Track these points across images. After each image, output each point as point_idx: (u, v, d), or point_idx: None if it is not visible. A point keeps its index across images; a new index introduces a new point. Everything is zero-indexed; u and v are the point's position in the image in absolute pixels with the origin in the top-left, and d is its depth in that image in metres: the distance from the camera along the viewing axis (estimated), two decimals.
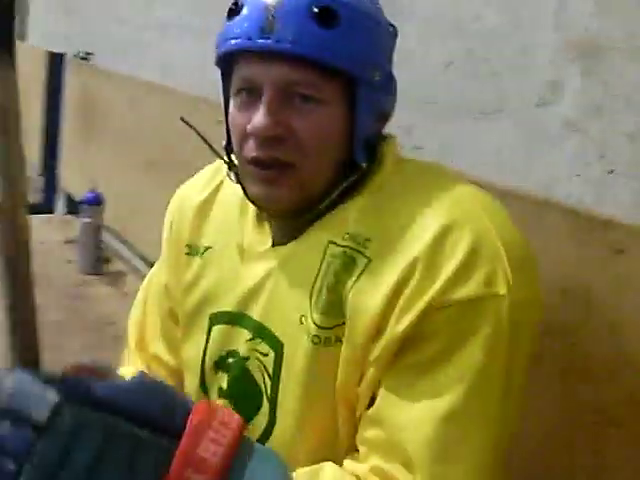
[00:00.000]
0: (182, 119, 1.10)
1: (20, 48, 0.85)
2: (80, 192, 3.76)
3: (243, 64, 0.94)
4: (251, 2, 0.94)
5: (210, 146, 1.05)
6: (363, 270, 0.90)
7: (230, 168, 1.02)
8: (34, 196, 4.46)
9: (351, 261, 0.91)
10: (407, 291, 0.86)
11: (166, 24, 3.17)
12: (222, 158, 1.04)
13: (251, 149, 0.94)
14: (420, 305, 0.86)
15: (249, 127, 0.92)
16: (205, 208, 1.11)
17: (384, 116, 0.99)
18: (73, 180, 4.33)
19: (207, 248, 1.08)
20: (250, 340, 0.99)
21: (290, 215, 0.97)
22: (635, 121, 1.27)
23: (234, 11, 0.95)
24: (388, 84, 0.97)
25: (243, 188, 1.00)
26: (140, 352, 1.20)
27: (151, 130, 3.22)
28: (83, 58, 4.18)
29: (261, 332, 0.98)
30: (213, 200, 1.11)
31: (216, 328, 1.04)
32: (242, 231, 1.05)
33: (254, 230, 1.04)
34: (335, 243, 0.93)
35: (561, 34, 1.40)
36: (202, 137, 1.06)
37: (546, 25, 1.43)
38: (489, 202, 0.93)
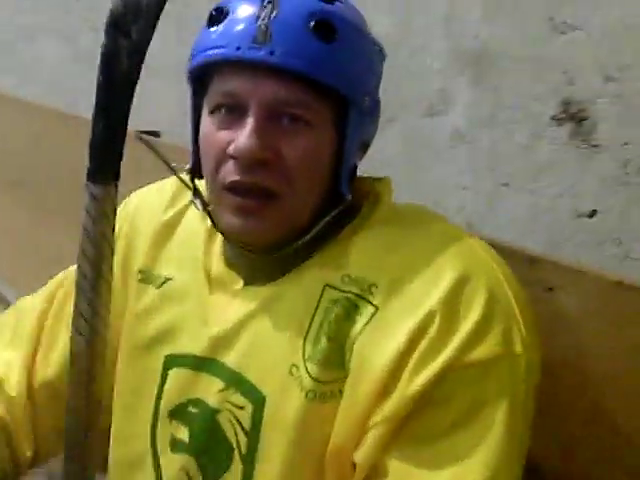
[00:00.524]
0: (140, 138, 0.95)
1: None
2: None
3: (226, 77, 0.83)
4: (239, 8, 0.83)
5: (171, 168, 0.93)
6: (369, 319, 0.81)
7: (196, 195, 0.91)
8: None
9: (354, 308, 0.82)
10: (422, 346, 0.78)
11: (26, 28, 2.96)
12: (186, 184, 0.92)
13: (230, 173, 0.83)
14: (437, 364, 0.78)
15: (232, 149, 0.82)
16: (167, 232, 0.98)
17: (365, 146, 0.91)
18: None
19: (167, 279, 0.95)
20: (222, 390, 0.87)
21: (267, 251, 0.87)
22: (529, 132, 1.24)
23: (216, 18, 0.85)
24: (375, 111, 0.90)
25: (212, 219, 0.90)
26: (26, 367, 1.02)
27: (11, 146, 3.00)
28: None
29: (237, 382, 0.86)
30: (177, 224, 0.98)
31: (174, 372, 0.92)
32: (209, 265, 0.93)
33: (223, 265, 0.92)
34: (333, 287, 0.84)
35: (451, 41, 1.34)
36: (163, 158, 0.93)
37: (436, 32, 1.37)
38: (494, 253, 0.87)
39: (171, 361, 0.92)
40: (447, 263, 0.81)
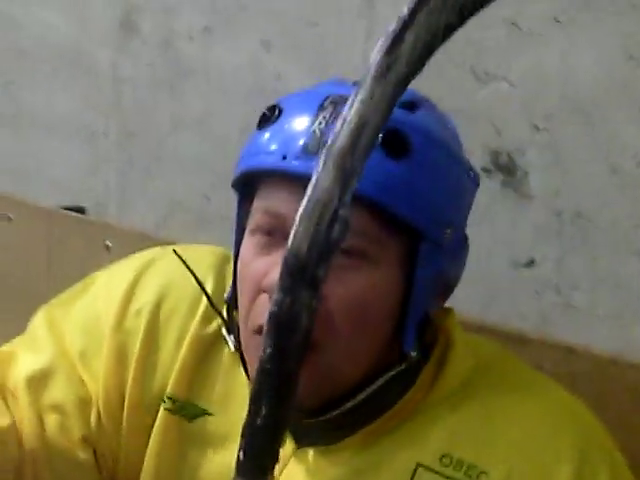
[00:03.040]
0: (174, 251, 0.80)
1: None
2: None
3: (269, 190, 0.69)
4: (294, 108, 0.69)
5: (206, 293, 0.77)
6: None
7: (229, 329, 0.75)
8: None
9: None
10: None
11: None
12: (221, 315, 0.76)
13: (261, 313, 0.66)
14: None
15: (265, 281, 0.67)
16: (207, 350, 0.78)
17: (447, 290, 0.76)
18: None
19: (203, 412, 0.78)
20: None
21: (308, 414, 0.71)
22: None
23: (267, 118, 0.71)
24: (459, 248, 0.75)
25: (244, 363, 0.73)
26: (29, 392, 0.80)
27: None
28: None
29: None
30: (221, 342, 0.77)
31: None
32: None
33: None
34: (430, 469, 0.69)
35: None
36: (198, 280, 0.78)
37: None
38: (595, 418, 0.76)
39: None
40: (562, 445, 0.70)
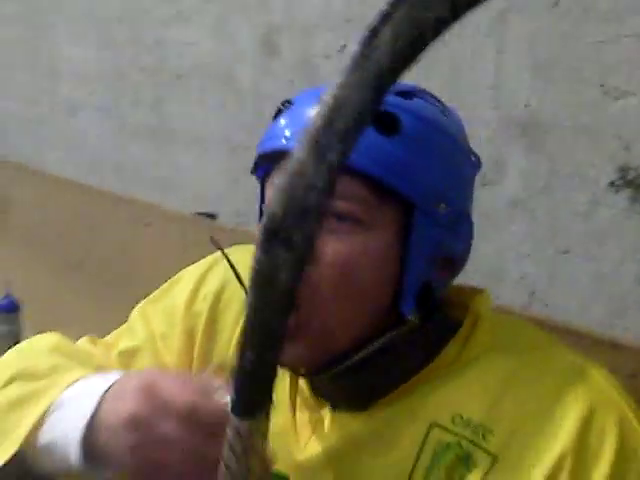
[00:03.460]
0: (212, 239, 0.89)
1: None
2: None
3: (278, 170, 0.76)
4: (302, 100, 0.79)
5: (238, 276, 0.85)
6: (488, 471, 0.72)
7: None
8: None
9: (466, 456, 0.72)
10: None
11: (74, 105, 3.01)
12: (244, 287, 0.83)
13: None
14: None
15: None
16: None
17: (451, 263, 0.78)
18: None
19: None
20: None
21: (314, 372, 0.78)
22: (587, 199, 1.22)
23: (280, 111, 0.80)
24: (458, 224, 0.77)
25: None
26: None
27: (66, 229, 3.07)
28: None
29: None
30: None
31: None
32: (295, 377, 0.85)
33: (306, 382, 0.84)
34: (443, 427, 0.74)
35: (501, 110, 1.34)
36: (231, 264, 0.85)
37: (484, 101, 1.37)
38: (617, 383, 0.77)
39: None
40: (569, 402, 0.72)
